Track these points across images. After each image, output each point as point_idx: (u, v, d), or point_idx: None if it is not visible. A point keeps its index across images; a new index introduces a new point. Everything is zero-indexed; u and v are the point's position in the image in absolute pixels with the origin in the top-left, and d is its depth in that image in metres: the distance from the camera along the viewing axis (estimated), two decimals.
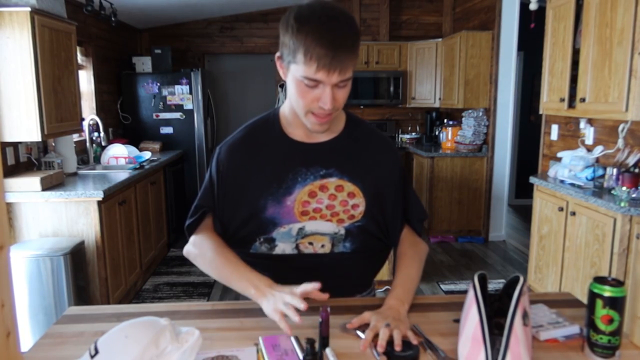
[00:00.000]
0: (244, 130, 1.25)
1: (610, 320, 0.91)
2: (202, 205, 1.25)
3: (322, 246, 1.20)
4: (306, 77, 1.03)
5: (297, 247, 1.20)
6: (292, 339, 0.98)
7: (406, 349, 0.94)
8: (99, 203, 2.93)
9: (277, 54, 1.11)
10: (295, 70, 1.05)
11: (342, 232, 1.20)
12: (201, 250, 1.21)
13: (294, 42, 1.02)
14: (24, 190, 2.85)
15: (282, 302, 1.00)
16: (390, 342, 0.96)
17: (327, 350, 0.96)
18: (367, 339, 0.98)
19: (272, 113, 1.25)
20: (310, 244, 1.20)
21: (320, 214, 1.18)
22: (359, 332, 1.03)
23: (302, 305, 0.98)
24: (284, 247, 1.21)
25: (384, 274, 3.11)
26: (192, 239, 1.25)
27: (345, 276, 1.25)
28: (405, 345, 0.95)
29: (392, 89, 5.64)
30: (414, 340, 0.97)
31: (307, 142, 1.20)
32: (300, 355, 0.91)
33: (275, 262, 1.22)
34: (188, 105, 4.97)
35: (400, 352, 0.93)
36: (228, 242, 1.23)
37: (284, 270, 1.20)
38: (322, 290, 1.20)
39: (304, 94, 1.06)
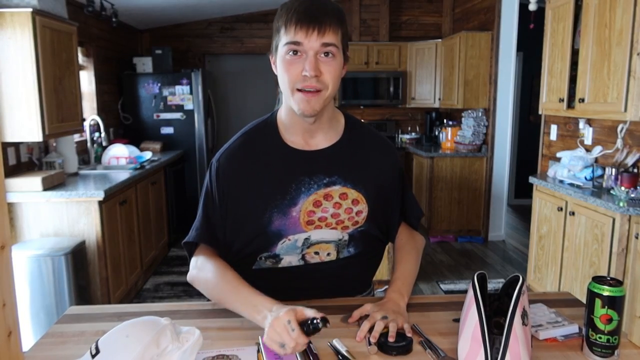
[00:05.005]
0: (240, 138, 1.20)
1: (609, 320, 0.92)
2: (203, 226, 1.17)
3: (328, 254, 1.18)
4: (287, 43, 1.03)
5: (303, 257, 1.18)
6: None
7: (400, 340, 0.97)
8: (100, 203, 2.93)
9: (269, 53, 1.12)
10: (280, 49, 1.06)
11: (346, 238, 1.19)
12: (204, 274, 1.14)
13: (277, 21, 1.07)
14: (25, 190, 2.86)
15: (282, 333, 0.91)
16: (385, 333, 0.98)
17: (335, 341, 0.99)
18: (362, 329, 1.00)
19: (269, 119, 1.20)
20: (316, 253, 1.17)
21: (326, 222, 1.15)
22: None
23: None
24: (289, 260, 1.17)
25: (383, 274, 3.11)
26: (194, 262, 1.17)
27: (349, 279, 1.25)
28: (400, 337, 0.97)
29: (392, 89, 5.64)
30: (409, 333, 0.99)
31: (307, 149, 1.16)
32: (299, 357, 0.92)
33: (281, 273, 1.19)
34: (188, 106, 4.97)
35: (392, 343, 0.96)
36: (231, 261, 1.17)
37: (289, 281, 1.19)
38: (327, 294, 1.21)
39: (288, 67, 1.04)
